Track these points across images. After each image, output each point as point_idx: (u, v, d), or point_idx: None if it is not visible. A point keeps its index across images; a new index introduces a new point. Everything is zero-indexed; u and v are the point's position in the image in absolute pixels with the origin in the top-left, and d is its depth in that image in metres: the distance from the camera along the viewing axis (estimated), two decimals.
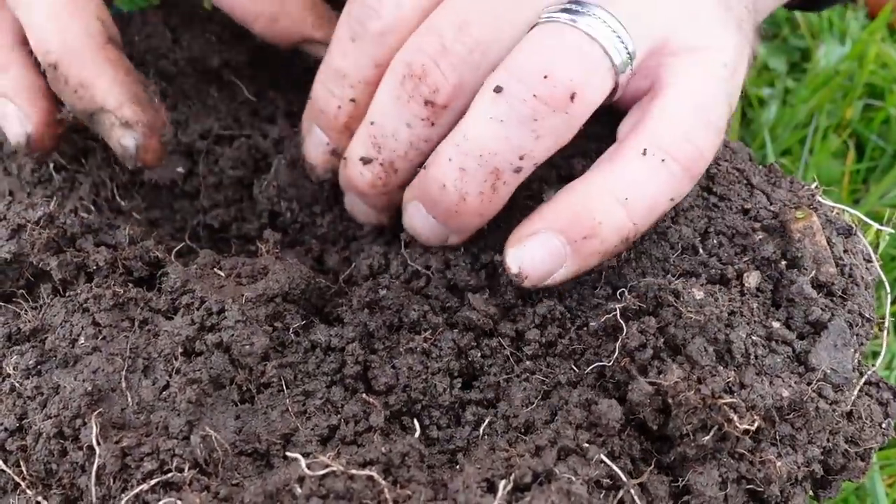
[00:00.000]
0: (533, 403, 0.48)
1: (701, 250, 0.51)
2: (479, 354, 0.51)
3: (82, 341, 0.47)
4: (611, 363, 0.47)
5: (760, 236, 0.50)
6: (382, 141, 0.52)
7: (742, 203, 0.52)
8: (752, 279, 0.49)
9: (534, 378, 0.49)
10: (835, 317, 0.46)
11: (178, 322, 0.48)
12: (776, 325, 0.47)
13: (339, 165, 0.57)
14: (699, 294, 0.47)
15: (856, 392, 0.46)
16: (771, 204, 0.52)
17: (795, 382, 0.45)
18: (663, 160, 0.49)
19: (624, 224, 0.49)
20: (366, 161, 0.54)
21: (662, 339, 0.47)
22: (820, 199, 0.52)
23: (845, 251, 0.50)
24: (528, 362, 0.50)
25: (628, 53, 0.48)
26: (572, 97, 0.46)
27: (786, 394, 0.44)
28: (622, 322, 0.47)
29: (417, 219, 0.54)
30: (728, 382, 0.44)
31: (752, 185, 0.53)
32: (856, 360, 0.47)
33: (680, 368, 0.45)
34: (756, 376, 0.45)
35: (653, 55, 0.50)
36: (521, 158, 0.48)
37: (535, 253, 0.50)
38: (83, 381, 0.45)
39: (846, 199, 1.03)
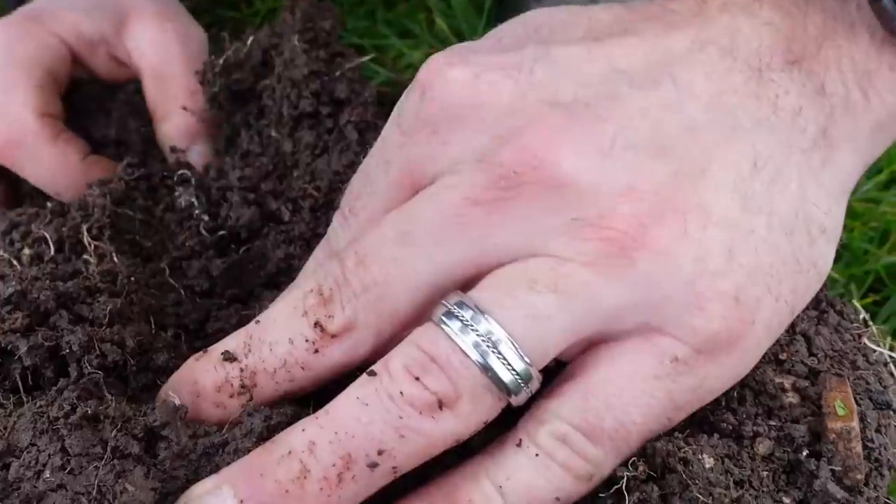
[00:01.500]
0: None
1: (722, 401, 0.46)
2: None
3: (48, 475, 0.42)
4: None
5: (791, 399, 0.46)
6: (257, 346, 0.45)
7: (777, 351, 0.48)
8: (763, 447, 0.45)
9: None
10: None
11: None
12: (787, 501, 0.44)
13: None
14: (709, 462, 0.43)
15: None
16: (811, 355, 0.48)
17: None
18: (537, 455, 0.42)
19: None
20: (227, 357, 0.46)
21: None
22: (867, 341, 0.48)
23: (878, 429, 0.46)
24: None
25: (521, 373, 0.41)
26: (440, 406, 0.40)
27: None
28: (625, 492, 0.43)
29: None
30: None
31: (793, 330, 0.49)
32: None
33: None
34: None
35: (582, 341, 0.43)
36: (379, 453, 0.40)
37: None
38: None
39: None
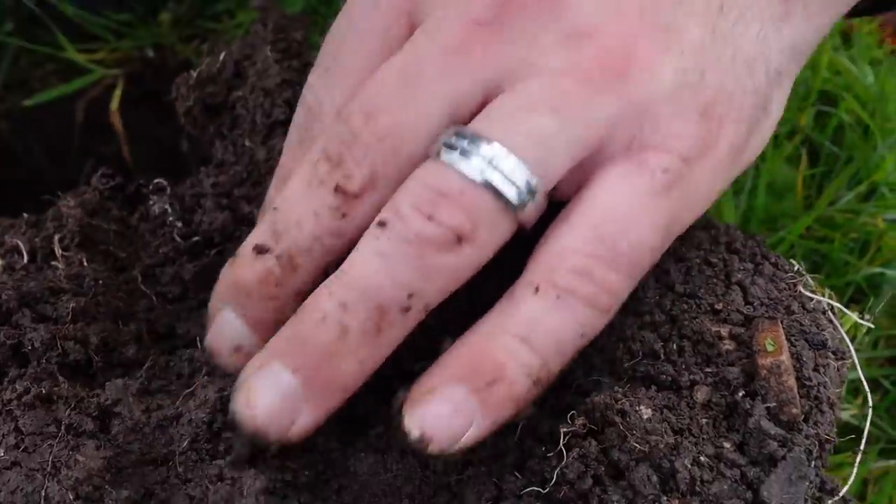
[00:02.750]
0: None
1: (661, 354, 0.46)
2: None
3: (2, 453, 0.42)
4: (548, 490, 0.43)
5: (728, 346, 0.46)
6: (284, 229, 0.44)
7: (713, 302, 0.48)
8: (701, 394, 0.44)
9: (488, 481, 0.45)
10: (793, 449, 0.42)
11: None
12: (727, 445, 0.43)
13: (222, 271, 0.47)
14: (647, 412, 0.42)
15: None
16: (746, 303, 0.48)
17: None
18: (559, 297, 0.42)
19: (531, 362, 0.42)
20: (260, 250, 0.44)
21: (606, 463, 0.43)
22: (802, 289, 0.48)
23: (815, 368, 0.45)
24: (479, 465, 0.46)
25: (528, 191, 0.41)
26: (459, 240, 0.41)
27: None
28: (563, 450, 0.43)
29: (264, 389, 0.42)
30: None
31: (729, 281, 0.49)
32: (811, 492, 0.43)
33: (622, 499, 0.41)
34: None
35: (584, 163, 0.43)
36: (409, 297, 0.41)
37: (439, 410, 0.41)
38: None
39: (800, 204, 1.00)
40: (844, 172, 0.98)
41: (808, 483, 0.42)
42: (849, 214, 0.97)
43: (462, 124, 0.43)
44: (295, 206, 0.44)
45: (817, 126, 1.06)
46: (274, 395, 0.41)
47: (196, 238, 0.64)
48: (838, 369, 0.48)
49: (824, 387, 0.45)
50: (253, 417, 0.41)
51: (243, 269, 0.45)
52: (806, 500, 0.42)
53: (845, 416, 0.77)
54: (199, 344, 0.56)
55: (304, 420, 0.42)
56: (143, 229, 0.66)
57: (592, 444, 0.43)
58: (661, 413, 0.44)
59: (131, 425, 0.44)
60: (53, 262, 0.58)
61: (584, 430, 0.44)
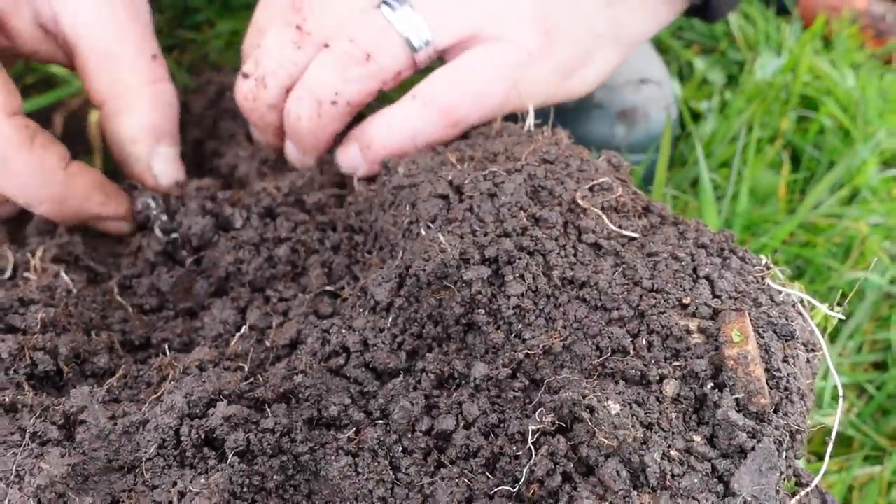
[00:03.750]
0: None
1: (631, 350, 0.46)
2: (401, 451, 0.46)
3: None
4: (518, 489, 0.42)
5: (696, 340, 0.45)
6: (261, 58, 0.63)
7: (681, 296, 0.47)
8: (670, 388, 0.44)
9: (460, 482, 0.44)
10: (762, 440, 0.42)
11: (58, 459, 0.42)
12: (697, 439, 0.42)
13: None
14: (615, 408, 0.42)
15: None
16: (714, 297, 0.47)
17: None
18: (424, 103, 0.62)
19: (391, 139, 0.63)
20: (245, 76, 0.64)
21: (575, 459, 0.42)
22: (770, 282, 0.48)
23: (785, 359, 0.45)
24: (451, 466, 0.45)
25: (426, 43, 0.61)
26: (367, 57, 0.60)
27: None
28: (532, 448, 0.42)
29: (287, 146, 0.68)
30: None
31: (697, 275, 0.49)
32: (781, 483, 0.42)
33: (592, 496, 0.40)
34: (671, 501, 0.40)
35: (465, 41, 0.62)
36: (335, 94, 0.61)
37: (347, 150, 0.65)
38: None
39: (783, 209, 1.00)
40: (826, 178, 0.97)
41: (779, 474, 0.42)
42: (831, 219, 0.96)
43: None
44: (269, 42, 0.63)
45: (798, 130, 1.06)
46: (289, 145, 0.68)
47: (175, 235, 0.64)
48: (808, 360, 0.47)
49: (794, 377, 0.45)
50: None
51: (237, 89, 0.66)
52: (778, 492, 0.42)
53: (828, 421, 0.76)
54: (167, 353, 0.55)
55: (297, 157, 0.68)
56: (122, 249, 0.66)
57: (561, 441, 0.43)
58: (630, 408, 0.43)
59: (97, 432, 0.44)
60: (27, 274, 0.58)
61: (553, 428, 0.43)
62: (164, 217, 0.64)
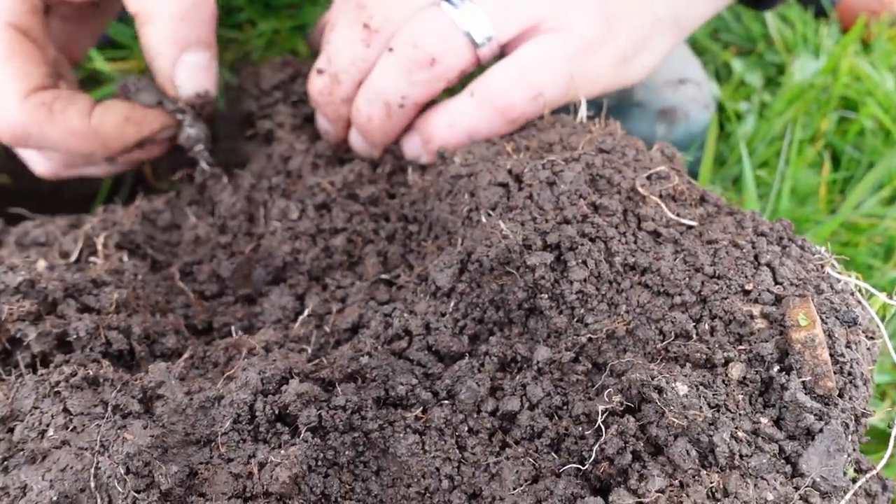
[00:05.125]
0: (522, 487, 0.44)
1: (694, 335, 0.47)
2: (467, 430, 0.47)
3: (51, 433, 0.43)
4: (588, 466, 0.43)
5: (759, 325, 0.46)
6: (333, 56, 0.65)
7: (743, 282, 0.48)
8: (736, 371, 0.44)
9: (525, 461, 0.45)
10: (830, 422, 0.42)
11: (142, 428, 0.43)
12: (764, 421, 0.43)
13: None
14: (683, 389, 0.43)
15: (845, 501, 0.42)
16: (776, 283, 0.48)
17: (781, 484, 0.41)
18: (482, 102, 0.63)
19: (451, 136, 0.64)
20: (319, 71, 0.66)
21: (644, 439, 0.43)
22: (829, 270, 0.48)
23: (848, 345, 0.45)
24: (516, 446, 0.46)
25: (488, 38, 0.62)
26: (432, 62, 0.61)
27: (770, 497, 0.40)
28: (602, 427, 0.43)
29: (354, 137, 0.69)
30: (711, 488, 0.40)
31: (758, 262, 0.49)
32: (848, 465, 0.43)
33: (662, 474, 0.41)
34: (740, 480, 0.41)
35: (525, 32, 0.63)
36: (402, 98, 0.63)
37: (411, 140, 0.67)
38: (51, 482, 0.41)
39: (823, 209, 1.00)
40: (867, 177, 0.97)
41: (846, 456, 0.42)
42: (872, 219, 0.96)
43: None
44: (338, 39, 0.65)
45: (838, 131, 1.06)
46: (356, 137, 0.69)
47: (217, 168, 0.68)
48: (869, 348, 0.47)
49: (857, 363, 0.45)
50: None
51: (311, 84, 0.68)
52: (844, 473, 0.42)
53: (873, 420, 0.76)
54: (234, 334, 0.57)
55: (364, 147, 0.70)
56: (185, 237, 0.67)
57: (630, 421, 0.43)
58: (697, 390, 0.44)
59: (174, 406, 0.45)
60: (93, 259, 0.59)
61: (622, 408, 0.44)
62: (208, 153, 0.67)
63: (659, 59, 0.70)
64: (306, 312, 0.57)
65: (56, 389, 0.44)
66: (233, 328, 0.57)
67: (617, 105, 0.91)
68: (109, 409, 0.44)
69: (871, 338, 0.48)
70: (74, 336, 0.50)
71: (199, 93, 0.66)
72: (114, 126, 0.64)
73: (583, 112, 0.64)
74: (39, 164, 0.69)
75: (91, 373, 0.45)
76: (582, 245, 0.50)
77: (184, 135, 0.68)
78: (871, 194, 0.99)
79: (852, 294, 0.49)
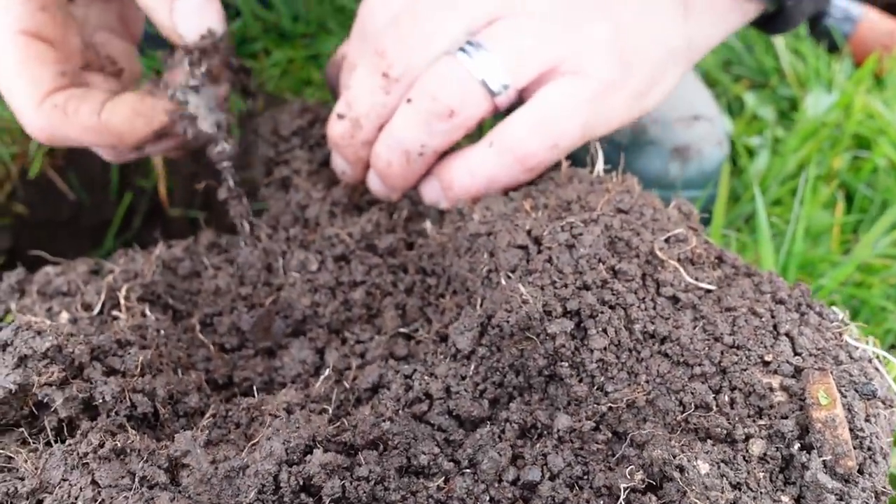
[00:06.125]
0: None
1: (714, 406, 0.47)
2: (488, 500, 0.47)
3: None
4: None
5: (779, 398, 0.46)
6: (353, 101, 0.66)
7: (763, 353, 0.48)
8: (757, 447, 0.45)
9: None
10: (850, 502, 0.42)
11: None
12: (785, 500, 0.43)
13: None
14: (705, 468, 0.43)
15: None
16: (795, 354, 0.48)
17: None
18: (500, 152, 0.64)
19: (471, 184, 0.66)
20: (340, 116, 0.68)
21: None
22: (847, 339, 0.49)
23: (867, 418, 0.45)
24: None
25: (504, 87, 0.63)
26: (451, 114, 0.63)
27: None
28: None
29: (373, 180, 0.70)
30: None
31: (777, 331, 0.50)
32: None
33: None
34: None
35: (543, 76, 0.64)
36: (422, 146, 0.65)
37: (430, 186, 0.69)
38: None
39: (836, 249, 1.00)
40: (883, 219, 0.97)
41: None
42: (886, 260, 0.96)
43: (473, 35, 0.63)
44: (358, 85, 0.66)
45: (851, 169, 1.06)
46: (375, 180, 0.70)
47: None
48: (888, 418, 0.48)
49: (876, 437, 0.45)
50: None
51: (331, 128, 0.69)
52: None
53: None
54: (255, 393, 0.57)
55: (384, 191, 0.71)
56: (204, 287, 0.68)
57: (652, 500, 0.44)
58: (719, 468, 0.44)
59: (200, 476, 0.45)
60: (115, 312, 0.60)
61: (643, 486, 0.45)
62: (233, 170, 0.68)
63: (672, 88, 0.71)
64: (328, 370, 0.58)
65: (84, 461, 0.45)
66: (253, 387, 0.58)
67: (630, 142, 0.92)
68: (136, 480, 0.45)
69: (890, 407, 0.49)
70: (101, 400, 0.50)
71: (203, 34, 0.63)
72: (123, 120, 0.65)
73: (599, 167, 0.65)
74: (99, 153, 0.72)
75: (119, 444, 0.46)
76: (602, 313, 0.51)
77: (217, 147, 0.68)
78: (885, 234, 0.99)
79: (870, 361, 0.50)
